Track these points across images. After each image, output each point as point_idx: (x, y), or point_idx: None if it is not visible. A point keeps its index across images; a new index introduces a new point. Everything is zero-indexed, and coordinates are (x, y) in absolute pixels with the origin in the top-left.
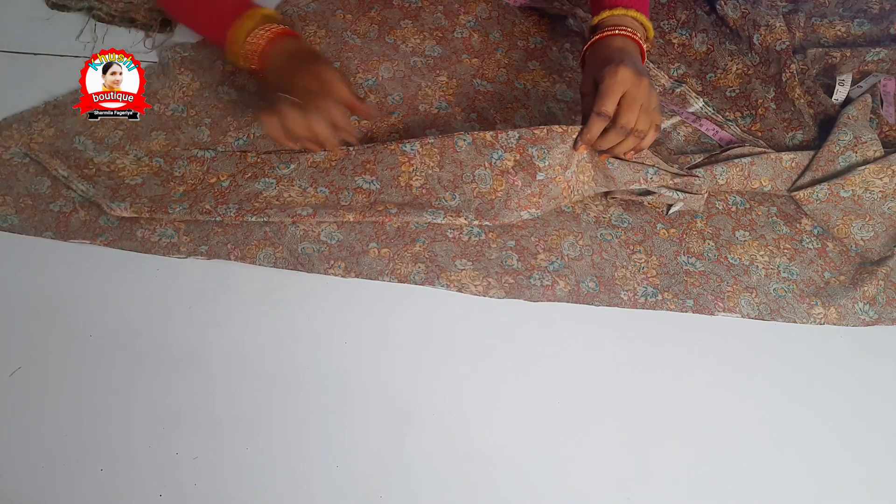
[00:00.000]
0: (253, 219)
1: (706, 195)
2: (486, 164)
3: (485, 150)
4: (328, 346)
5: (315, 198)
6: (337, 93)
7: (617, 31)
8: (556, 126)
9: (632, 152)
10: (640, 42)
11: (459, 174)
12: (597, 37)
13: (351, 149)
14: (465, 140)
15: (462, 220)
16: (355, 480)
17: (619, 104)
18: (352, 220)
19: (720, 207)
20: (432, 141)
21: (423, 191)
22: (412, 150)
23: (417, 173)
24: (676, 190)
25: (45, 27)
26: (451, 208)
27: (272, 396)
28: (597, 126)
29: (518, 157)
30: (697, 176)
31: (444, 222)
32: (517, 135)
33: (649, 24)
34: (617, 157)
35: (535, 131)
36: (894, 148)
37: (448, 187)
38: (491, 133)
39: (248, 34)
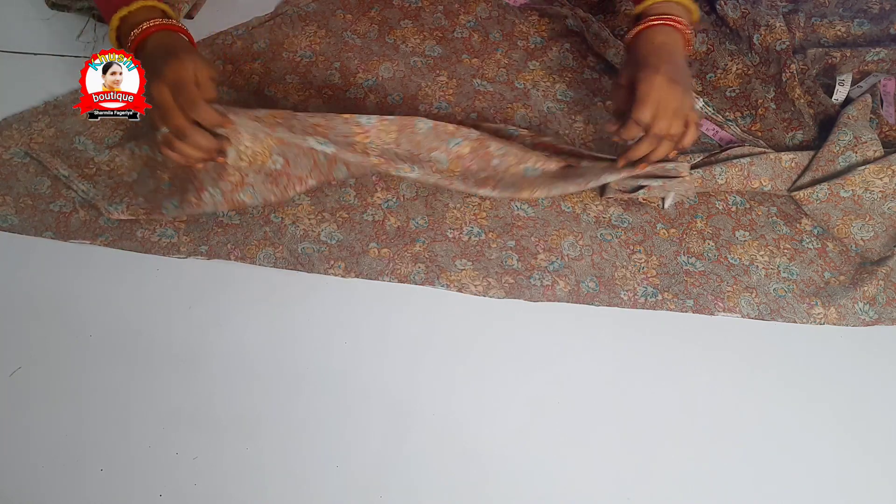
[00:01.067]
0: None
1: (694, 179)
2: (443, 149)
3: (444, 136)
4: (328, 346)
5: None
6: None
7: (660, 22)
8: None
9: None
10: (685, 29)
11: (416, 154)
12: (639, 27)
13: (298, 114)
14: (426, 125)
15: (433, 178)
16: (355, 480)
17: (654, 111)
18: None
19: (720, 207)
20: (391, 118)
21: (382, 160)
22: (368, 123)
23: (373, 146)
24: (657, 177)
25: (45, 27)
26: (410, 177)
27: (272, 396)
28: (634, 132)
29: (476, 145)
30: (673, 160)
31: (416, 177)
32: (477, 134)
33: (694, 7)
34: (654, 163)
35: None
36: (894, 148)
37: (406, 160)
38: (453, 125)
39: (128, 23)
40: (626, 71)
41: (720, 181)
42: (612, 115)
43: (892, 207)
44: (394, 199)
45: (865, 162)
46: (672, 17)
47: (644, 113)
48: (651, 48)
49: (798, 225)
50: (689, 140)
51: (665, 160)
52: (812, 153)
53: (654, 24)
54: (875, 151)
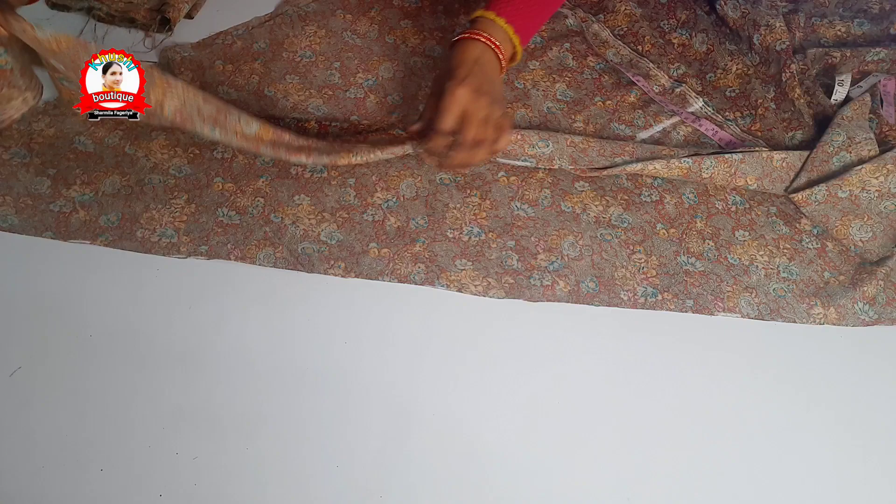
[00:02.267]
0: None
1: (672, 167)
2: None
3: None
4: (328, 346)
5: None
6: None
7: (480, 38)
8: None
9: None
10: (499, 52)
11: (221, 118)
12: (460, 36)
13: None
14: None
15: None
16: (355, 480)
17: (462, 121)
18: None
19: (720, 207)
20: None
21: (179, 116)
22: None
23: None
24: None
25: (45, 27)
26: (213, 137)
27: (272, 396)
28: (438, 142)
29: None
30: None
31: (218, 138)
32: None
33: (518, 46)
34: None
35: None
36: (889, 146)
37: (208, 120)
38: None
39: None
40: (436, 79)
41: (705, 174)
42: (422, 121)
43: (889, 206)
44: (394, 199)
45: (861, 162)
46: (493, 38)
47: (445, 122)
48: (461, 59)
49: (798, 225)
50: (501, 144)
51: None
52: (805, 154)
53: (473, 38)
54: (870, 150)
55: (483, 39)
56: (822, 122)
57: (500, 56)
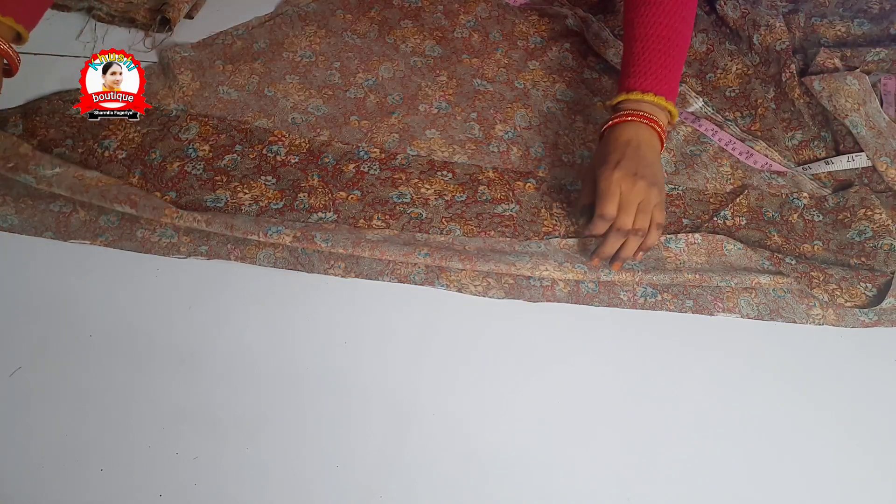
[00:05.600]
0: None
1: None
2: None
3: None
4: (328, 346)
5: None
6: None
7: (630, 118)
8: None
9: (640, 253)
10: (657, 127)
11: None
12: (609, 122)
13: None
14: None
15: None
16: (355, 480)
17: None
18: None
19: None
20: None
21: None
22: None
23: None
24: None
25: (45, 27)
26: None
27: (272, 396)
28: (600, 227)
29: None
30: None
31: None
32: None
33: (672, 107)
34: (624, 261)
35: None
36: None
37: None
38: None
39: None
40: (589, 167)
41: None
42: (580, 211)
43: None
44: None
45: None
46: (643, 113)
47: (607, 206)
48: (615, 145)
49: None
50: (650, 241)
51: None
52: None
53: (622, 121)
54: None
55: (635, 119)
56: (822, 122)
57: (658, 129)
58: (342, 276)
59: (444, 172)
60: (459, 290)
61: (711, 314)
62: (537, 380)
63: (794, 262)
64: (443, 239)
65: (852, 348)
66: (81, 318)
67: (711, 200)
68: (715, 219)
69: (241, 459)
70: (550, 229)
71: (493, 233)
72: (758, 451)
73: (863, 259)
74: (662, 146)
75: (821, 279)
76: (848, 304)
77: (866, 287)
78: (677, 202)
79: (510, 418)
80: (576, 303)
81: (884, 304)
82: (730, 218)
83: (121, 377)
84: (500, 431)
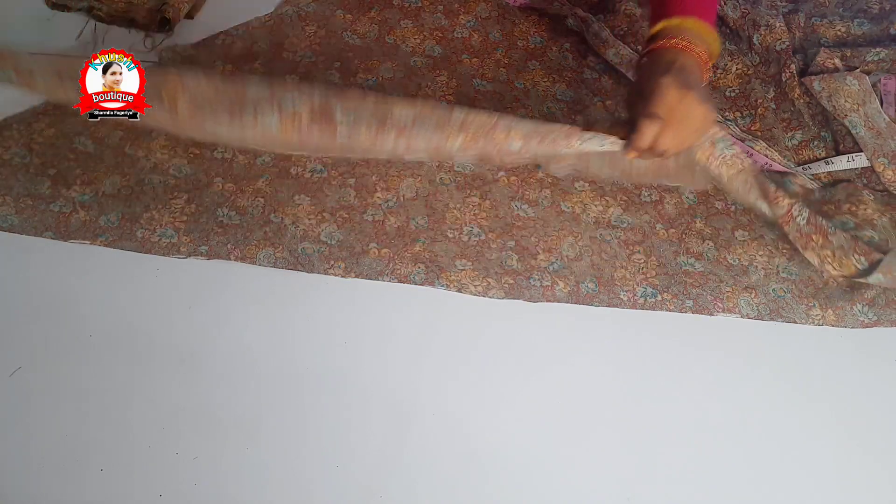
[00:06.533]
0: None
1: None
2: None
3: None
4: (328, 347)
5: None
6: None
7: (670, 44)
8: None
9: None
10: (699, 55)
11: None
12: (648, 48)
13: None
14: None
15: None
16: (355, 480)
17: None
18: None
19: (719, 207)
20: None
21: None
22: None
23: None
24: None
25: (45, 27)
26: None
27: (272, 396)
28: (648, 130)
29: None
30: None
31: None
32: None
33: (714, 39)
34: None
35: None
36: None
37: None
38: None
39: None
40: (633, 89)
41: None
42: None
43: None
44: (394, 199)
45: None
46: (684, 40)
47: (657, 106)
48: (657, 67)
49: None
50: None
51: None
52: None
53: (662, 47)
54: None
55: (677, 46)
56: (822, 122)
57: (700, 57)
58: (342, 276)
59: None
60: (459, 290)
61: (711, 314)
62: (537, 380)
63: (802, 222)
64: (483, 119)
65: (852, 348)
66: (81, 318)
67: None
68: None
69: (241, 459)
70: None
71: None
72: (758, 450)
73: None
74: (705, 76)
75: (819, 243)
76: (835, 272)
77: (858, 259)
78: None
79: (510, 418)
80: (576, 303)
81: (870, 279)
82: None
83: (121, 377)
84: (500, 431)
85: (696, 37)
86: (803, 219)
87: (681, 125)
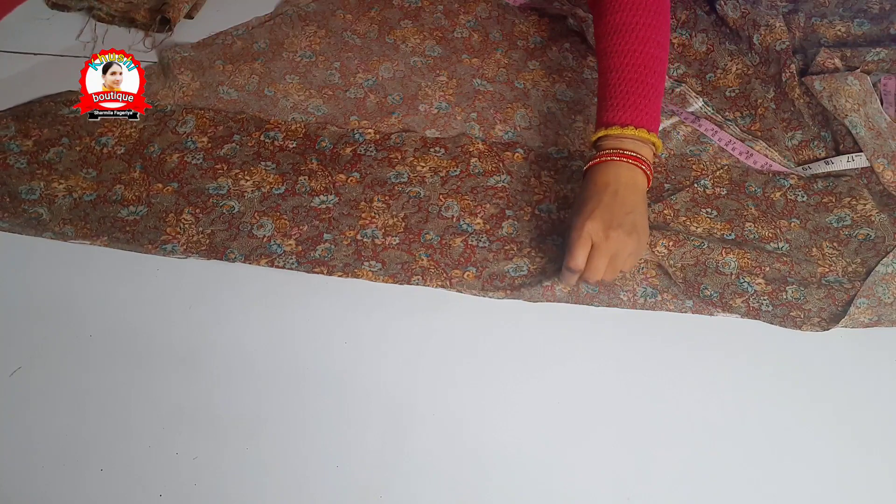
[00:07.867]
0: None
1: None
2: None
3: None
4: (328, 347)
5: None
6: None
7: (609, 158)
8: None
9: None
10: (641, 165)
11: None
12: (591, 163)
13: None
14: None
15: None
16: (355, 480)
17: (588, 255)
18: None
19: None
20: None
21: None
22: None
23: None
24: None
25: (45, 27)
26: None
27: (272, 396)
28: (569, 279)
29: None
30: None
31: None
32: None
33: (655, 139)
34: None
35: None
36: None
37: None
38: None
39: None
40: (570, 214)
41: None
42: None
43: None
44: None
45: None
46: (624, 151)
47: (575, 258)
48: (593, 190)
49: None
50: (606, 279)
51: None
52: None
53: (601, 161)
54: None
55: (615, 158)
56: (822, 122)
57: (641, 166)
58: (342, 277)
59: (437, 148)
60: (459, 291)
61: (711, 314)
62: (537, 380)
63: (771, 308)
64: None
65: (852, 348)
66: (81, 318)
67: (693, 167)
68: (695, 185)
69: (241, 459)
70: (542, 197)
71: (488, 206)
72: (758, 450)
73: (835, 244)
74: (649, 183)
75: (801, 317)
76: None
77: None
78: (659, 168)
79: (510, 418)
80: (576, 303)
81: (850, 311)
82: (710, 187)
83: (121, 377)
84: (500, 431)
85: (636, 144)
86: (768, 304)
87: (612, 260)
